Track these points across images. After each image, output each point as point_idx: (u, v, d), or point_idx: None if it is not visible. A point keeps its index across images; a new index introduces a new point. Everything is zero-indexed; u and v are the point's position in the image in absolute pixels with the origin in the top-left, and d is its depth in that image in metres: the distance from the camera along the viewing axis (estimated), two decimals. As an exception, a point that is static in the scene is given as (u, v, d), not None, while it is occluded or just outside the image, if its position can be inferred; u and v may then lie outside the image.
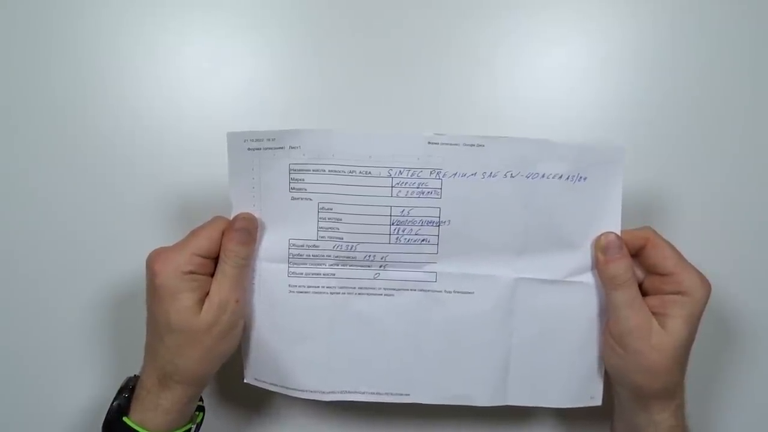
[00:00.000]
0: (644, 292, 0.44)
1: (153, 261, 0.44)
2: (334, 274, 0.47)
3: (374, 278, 0.47)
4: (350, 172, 0.44)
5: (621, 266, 0.43)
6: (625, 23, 0.54)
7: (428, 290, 0.47)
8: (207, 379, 0.46)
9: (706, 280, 0.43)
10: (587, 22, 0.54)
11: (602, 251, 0.44)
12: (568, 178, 0.44)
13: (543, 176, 0.44)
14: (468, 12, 0.54)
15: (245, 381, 0.50)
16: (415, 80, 0.54)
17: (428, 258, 0.47)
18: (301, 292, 0.47)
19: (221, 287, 0.44)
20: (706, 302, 0.43)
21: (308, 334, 0.48)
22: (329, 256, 0.47)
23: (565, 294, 0.46)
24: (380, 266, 0.47)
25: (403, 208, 0.45)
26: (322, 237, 0.46)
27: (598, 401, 0.48)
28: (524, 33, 0.54)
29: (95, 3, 0.54)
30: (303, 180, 0.45)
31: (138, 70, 0.54)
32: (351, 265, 0.47)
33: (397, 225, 0.46)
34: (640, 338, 0.43)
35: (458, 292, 0.47)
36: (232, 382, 0.52)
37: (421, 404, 0.49)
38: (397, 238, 0.46)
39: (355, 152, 0.44)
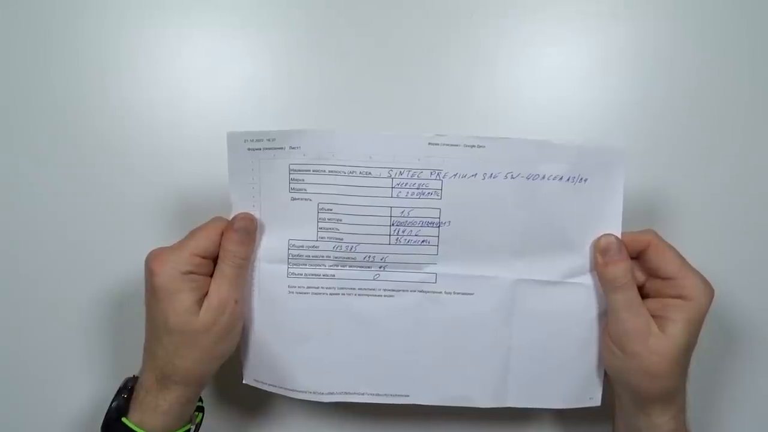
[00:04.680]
0: (645, 295, 0.44)
1: (152, 261, 0.44)
2: (333, 275, 0.47)
3: (374, 279, 0.47)
4: (350, 172, 0.44)
5: (620, 268, 0.43)
6: (625, 23, 0.54)
7: (428, 291, 0.47)
8: (206, 380, 0.46)
9: (710, 285, 0.43)
10: (587, 22, 0.54)
11: (601, 253, 0.44)
12: (568, 180, 0.44)
13: (543, 177, 0.44)
14: (468, 12, 0.54)
15: (244, 382, 0.50)
16: (416, 80, 0.54)
17: (428, 259, 0.46)
18: (301, 293, 0.47)
19: (220, 288, 0.44)
20: (708, 307, 0.42)
21: (308, 334, 0.48)
22: (329, 256, 0.46)
23: (564, 295, 0.46)
24: (380, 267, 0.47)
25: (403, 208, 0.45)
26: (321, 237, 0.46)
27: (597, 402, 0.48)
28: (524, 33, 0.54)
29: (95, 3, 0.54)
30: (303, 180, 0.45)
31: (137, 71, 0.54)
32: (351, 266, 0.47)
33: (397, 226, 0.45)
34: (638, 341, 0.42)
35: (458, 293, 0.47)
36: (231, 383, 0.51)
37: (420, 405, 0.49)
38: (397, 239, 0.46)
39: (355, 153, 0.44)
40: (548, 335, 0.47)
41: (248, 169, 0.45)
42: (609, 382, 0.47)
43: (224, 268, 0.44)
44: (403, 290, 0.47)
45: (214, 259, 0.45)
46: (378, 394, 0.49)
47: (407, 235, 0.46)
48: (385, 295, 0.47)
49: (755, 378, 0.55)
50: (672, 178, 0.54)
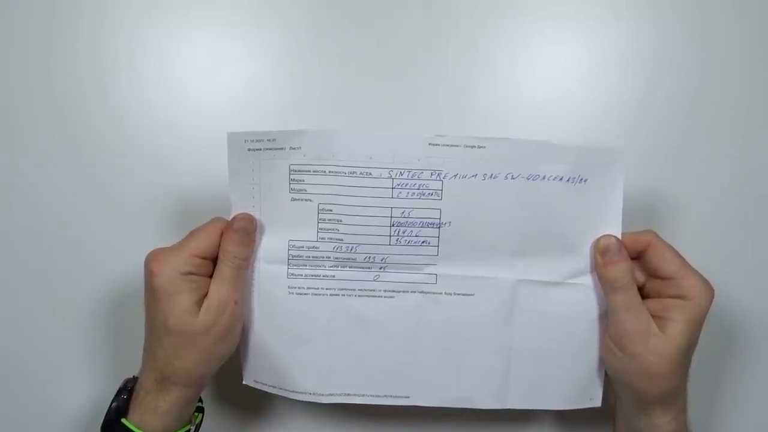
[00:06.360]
0: (645, 295, 0.44)
1: (151, 261, 0.44)
2: (333, 276, 0.47)
3: (374, 280, 0.47)
4: (351, 173, 0.44)
5: (619, 269, 0.43)
6: (625, 23, 0.54)
7: (428, 292, 0.47)
8: (206, 381, 0.46)
9: (710, 285, 0.43)
10: (587, 22, 0.54)
11: (601, 254, 0.44)
12: (568, 180, 0.44)
13: (544, 178, 0.44)
14: (468, 12, 0.54)
15: (244, 383, 0.50)
16: (416, 80, 0.54)
17: (428, 260, 0.46)
18: (301, 294, 0.47)
19: (220, 288, 0.44)
20: (708, 307, 0.42)
21: (308, 335, 0.48)
22: (329, 257, 0.46)
23: (565, 296, 0.46)
24: (380, 268, 0.47)
25: (403, 209, 0.45)
26: (322, 238, 0.46)
27: (597, 402, 0.48)
28: (524, 33, 0.54)
29: (95, 3, 0.54)
30: (303, 181, 0.45)
31: (137, 71, 0.54)
32: (351, 267, 0.47)
33: (398, 226, 0.45)
34: (638, 341, 0.42)
35: (458, 294, 0.47)
36: (231, 383, 0.51)
37: (420, 406, 0.49)
38: (397, 240, 0.46)
39: (355, 153, 0.44)
40: (549, 336, 0.47)
41: (248, 169, 0.45)
42: (609, 383, 0.47)
43: (224, 268, 0.44)
44: (404, 291, 0.47)
45: (214, 260, 0.45)
46: (378, 396, 0.49)
47: (407, 236, 0.46)
48: (385, 296, 0.47)
49: (755, 378, 0.55)
50: (672, 178, 0.54)
